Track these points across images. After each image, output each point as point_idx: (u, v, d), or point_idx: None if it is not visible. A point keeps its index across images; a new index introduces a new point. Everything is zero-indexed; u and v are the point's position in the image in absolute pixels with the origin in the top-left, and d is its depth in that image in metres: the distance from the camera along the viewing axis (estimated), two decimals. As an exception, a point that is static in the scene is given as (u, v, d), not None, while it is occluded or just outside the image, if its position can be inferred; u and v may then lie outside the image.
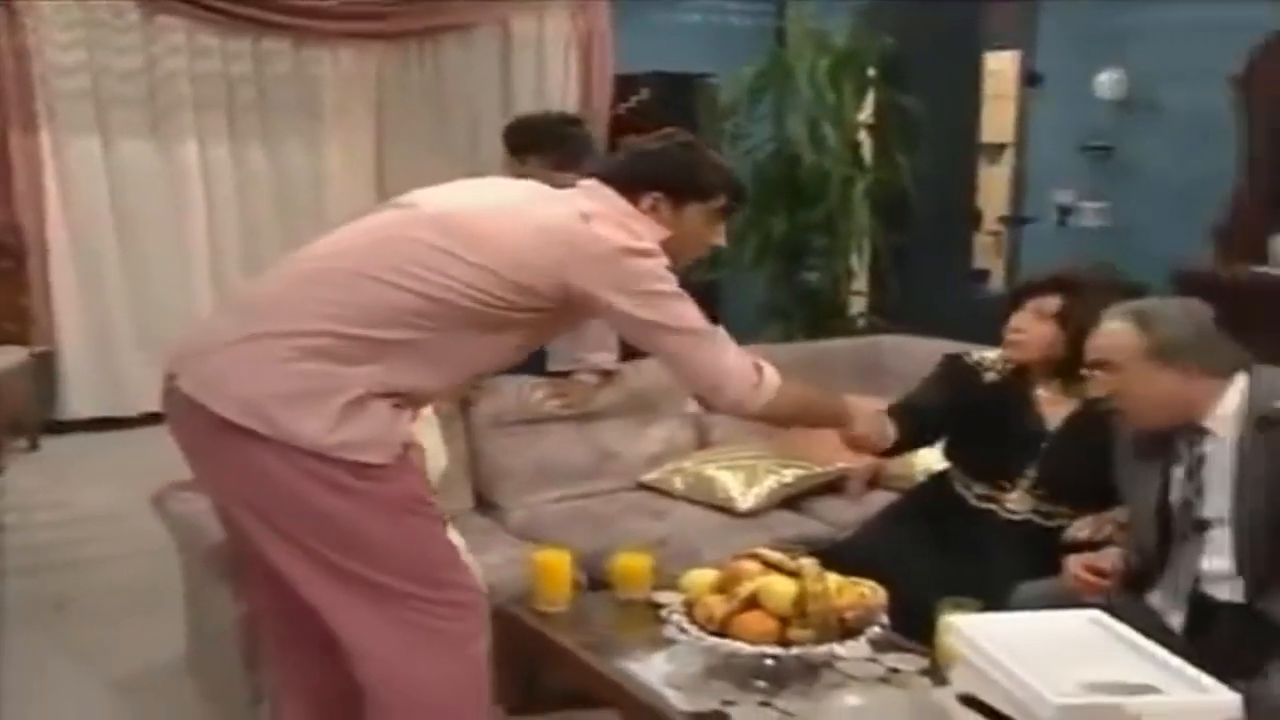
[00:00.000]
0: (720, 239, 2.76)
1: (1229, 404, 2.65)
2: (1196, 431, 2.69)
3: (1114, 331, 2.70)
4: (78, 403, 6.15)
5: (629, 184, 2.58)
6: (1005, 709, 2.09)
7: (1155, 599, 2.76)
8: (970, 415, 3.28)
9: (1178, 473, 2.74)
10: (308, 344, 2.33)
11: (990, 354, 3.37)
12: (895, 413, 3.24)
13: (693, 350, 2.53)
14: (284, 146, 6.70)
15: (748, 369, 2.57)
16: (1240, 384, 2.65)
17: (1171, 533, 2.75)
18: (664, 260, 2.51)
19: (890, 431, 3.05)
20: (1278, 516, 2.58)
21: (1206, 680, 2.04)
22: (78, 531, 4.58)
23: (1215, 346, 2.67)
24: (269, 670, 2.81)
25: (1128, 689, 2.01)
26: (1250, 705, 2.06)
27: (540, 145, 4.02)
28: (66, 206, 6.09)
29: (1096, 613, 2.31)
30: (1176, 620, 2.70)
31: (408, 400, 2.43)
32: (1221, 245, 6.07)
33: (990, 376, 3.33)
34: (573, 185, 3.76)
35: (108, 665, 3.64)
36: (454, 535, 3.11)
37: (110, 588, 4.23)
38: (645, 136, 2.75)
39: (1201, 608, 2.66)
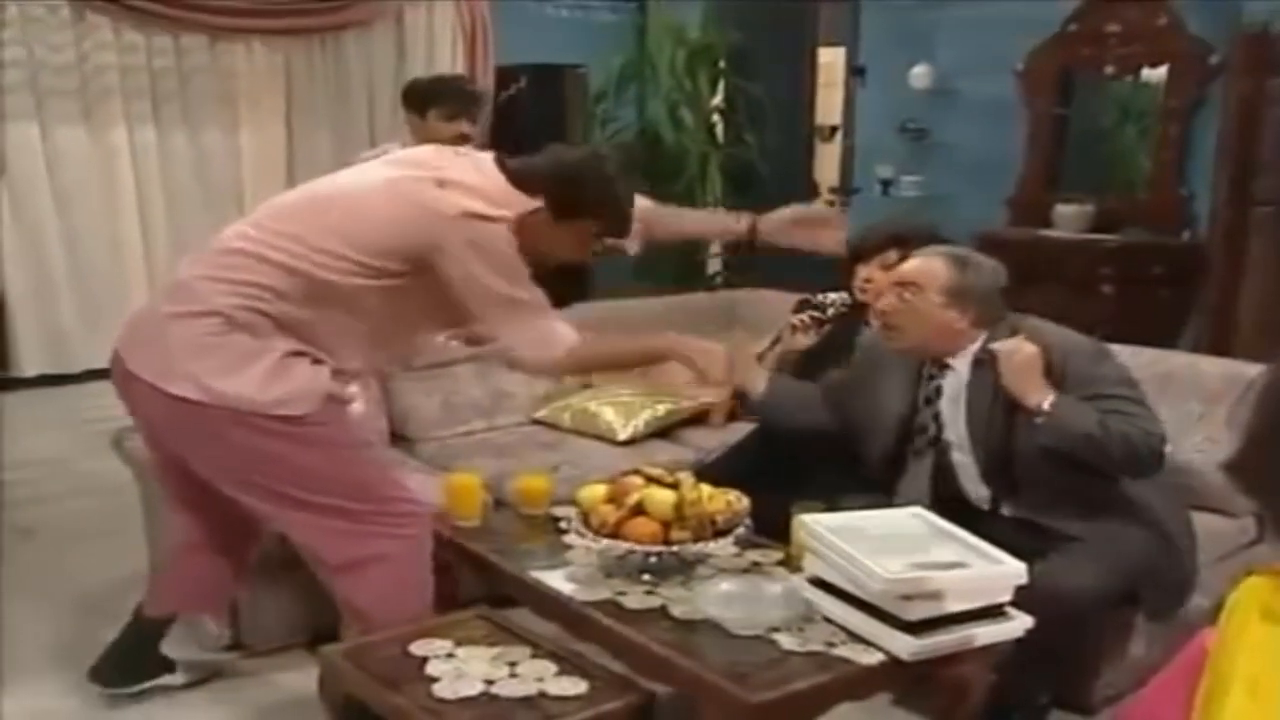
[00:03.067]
0: (585, 257, 2.73)
1: (972, 348, 2.80)
2: (940, 365, 2.83)
3: (930, 263, 2.81)
4: (25, 362, 6.03)
5: (526, 182, 2.56)
6: (846, 586, 2.26)
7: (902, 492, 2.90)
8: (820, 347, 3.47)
9: (921, 397, 2.89)
10: (229, 320, 2.43)
11: (832, 295, 3.60)
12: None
13: (514, 320, 2.55)
14: (203, 131, 6.57)
15: (549, 335, 2.58)
16: (981, 340, 2.79)
17: (907, 448, 2.91)
18: (507, 230, 2.49)
19: (752, 374, 3.05)
20: (996, 440, 2.74)
21: (1001, 555, 2.23)
22: (34, 473, 4.53)
23: (995, 304, 2.81)
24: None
25: (942, 566, 2.19)
26: (1032, 586, 2.23)
27: (436, 100, 4.05)
28: (11, 188, 5.93)
29: (918, 508, 2.48)
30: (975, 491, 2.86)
31: (323, 361, 2.51)
32: (1013, 212, 6.32)
33: (831, 313, 3.59)
34: (468, 131, 3.90)
35: (73, 585, 3.63)
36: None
37: (70, 518, 4.20)
38: (565, 146, 2.74)
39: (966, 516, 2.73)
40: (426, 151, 2.69)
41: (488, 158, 2.64)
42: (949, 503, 2.74)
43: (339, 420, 2.58)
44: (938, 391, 2.85)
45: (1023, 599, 2.25)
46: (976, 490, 2.84)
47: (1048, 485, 2.73)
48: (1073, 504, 2.72)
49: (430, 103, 4.03)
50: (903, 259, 3.24)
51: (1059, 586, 2.48)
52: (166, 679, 2.96)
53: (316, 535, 2.57)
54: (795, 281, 4.88)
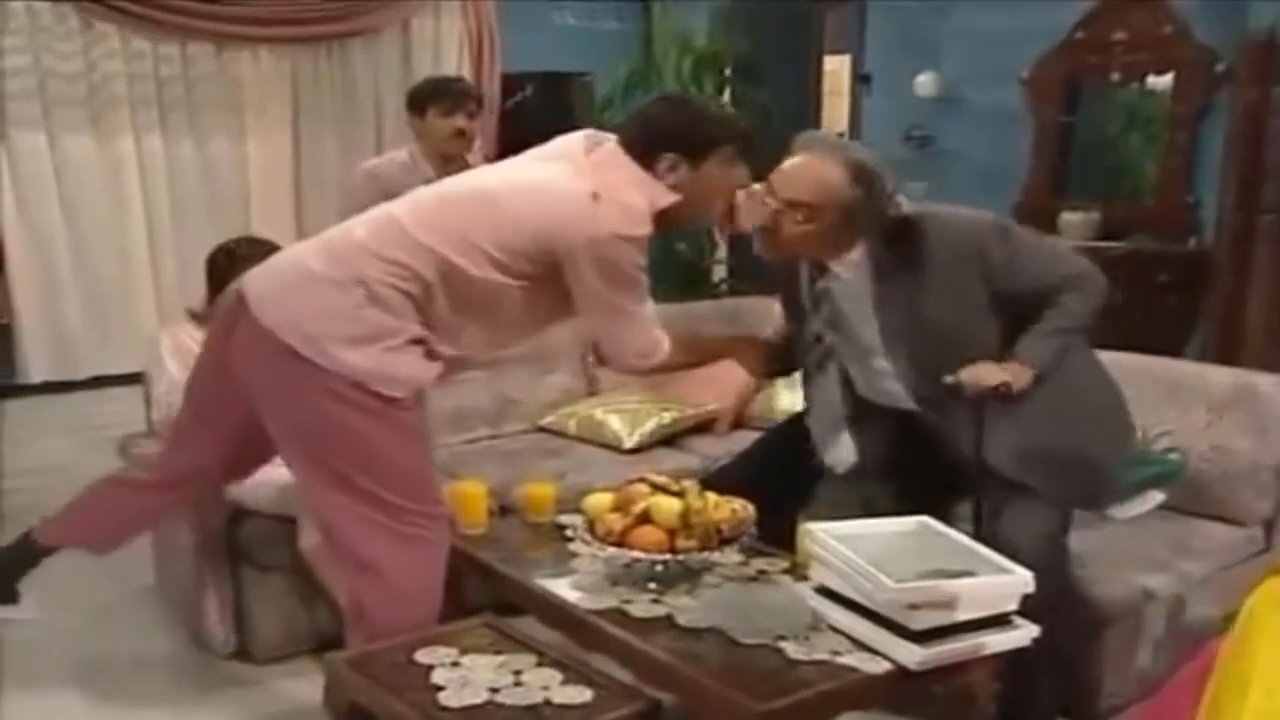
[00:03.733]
0: (743, 180, 2.65)
1: (856, 252, 2.70)
2: (820, 269, 2.74)
3: (827, 179, 2.63)
4: (33, 369, 6.05)
5: (645, 151, 2.55)
6: (853, 595, 2.25)
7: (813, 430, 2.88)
8: None
9: (809, 305, 2.82)
10: (371, 293, 2.47)
11: None
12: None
13: (619, 327, 2.62)
14: (210, 139, 6.60)
15: (648, 344, 2.66)
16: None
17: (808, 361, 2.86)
18: (643, 247, 2.52)
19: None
20: (916, 344, 2.68)
21: (1008, 564, 2.22)
22: (39, 480, 4.54)
23: (887, 211, 2.68)
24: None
25: (948, 574, 2.19)
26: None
27: (432, 97, 4.11)
28: (18, 195, 5.97)
29: (925, 517, 2.48)
30: (838, 452, 2.83)
31: (436, 353, 2.56)
32: (1019, 219, 6.31)
33: None
34: (465, 126, 3.94)
35: (81, 594, 3.63)
36: None
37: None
38: (648, 102, 2.74)
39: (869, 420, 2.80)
40: (576, 149, 2.63)
41: (615, 148, 2.60)
42: (874, 410, 2.77)
43: (421, 412, 2.62)
44: (826, 294, 2.75)
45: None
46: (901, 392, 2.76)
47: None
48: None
49: (428, 101, 4.11)
50: None
51: (1018, 546, 2.42)
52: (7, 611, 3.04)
53: (352, 522, 2.57)
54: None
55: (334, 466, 2.53)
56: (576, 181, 2.53)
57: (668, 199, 2.55)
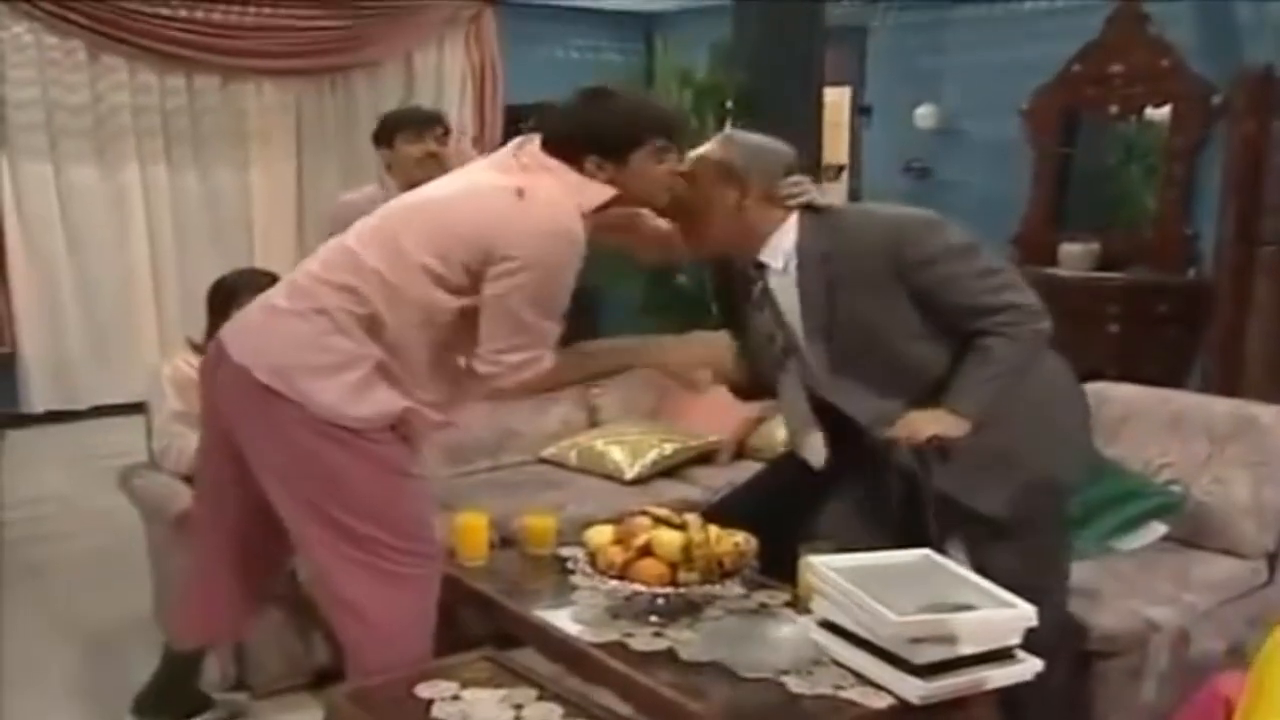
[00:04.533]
0: (680, 166, 2.55)
1: (785, 240, 2.60)
2: (756, 266, 2.65)
3: (697, 151, 2.61)
4: (35, 398, 6.05)
5: (570, 153, 2.46)
6: (855, 629, 2.24)
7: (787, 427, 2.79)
8: None
9: (754, 307, 2.72)
10: (333, 320, 2.43)
11: None
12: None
13: (511, 333, 2.44)
14: (214, 169, 6.63)
15: (529, 355, 2.46)
16: (793, 222, 2.59)
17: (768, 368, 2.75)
18: (577, 252, 2.41)
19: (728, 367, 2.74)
20: (834, 341, 2.58)
21: (1010, 598, 2.21)
22: (42, 510, 4.54)
23: (778, 177, 2.58)
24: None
25: (951, 608, 2.17)
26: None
27: (397, 127, 4.08)
28: (23, 225, 5.99)
29: (927, 550, 2.46)
30: (813, 448, 2.74)
31: (402, 384, 2.49)
32: (1019, 251, 6.33)
33: None
34: (436, 150, 3.86)
35: (81, 623, 3.63)
36: None
37: (77, 556, 4.20)
38: (569, 99, 2.57)
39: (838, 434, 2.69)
40: (504, 154, 2.58)
41: (538, 150, 2.52)
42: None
43: (395, 442, 2.55)
44: (764, 293, 2.67)
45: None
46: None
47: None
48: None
49: (395, 130, 4.07)
50: None
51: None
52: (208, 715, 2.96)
53: (335, 561, 2.52)
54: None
55: (313, 502, 2.48)
56: (502, 181, 2.47)
57: (601, 194, 2.46)
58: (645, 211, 2.67)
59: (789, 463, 3.54)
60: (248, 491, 2.58)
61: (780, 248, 2.61)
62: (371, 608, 2.51)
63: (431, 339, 2.50)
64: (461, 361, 2.56)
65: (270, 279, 3.17)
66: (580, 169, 2.46)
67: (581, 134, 2.47)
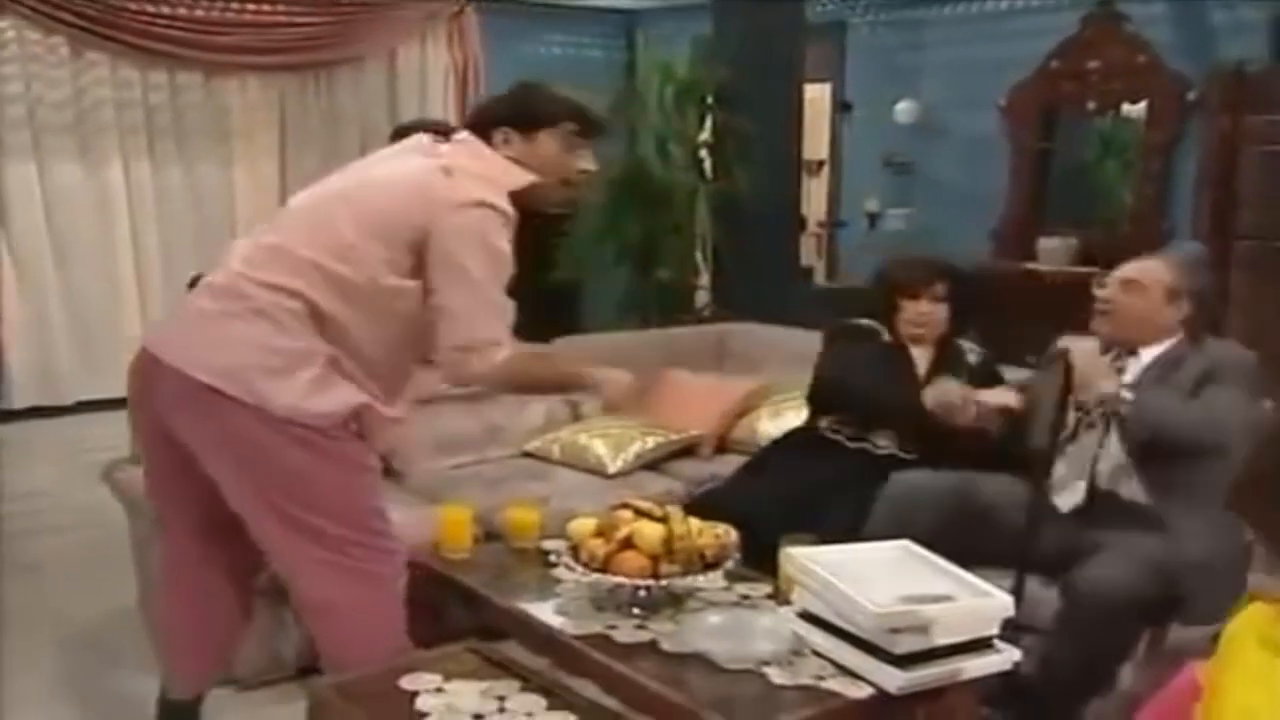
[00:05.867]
0: (587, 164, 2.61)
1: (1163, 344, 2.91)
2: (1131, 352, 2.92)
3: (1154, 264, 2.98)
4: (20, 394, 6.01)
5: (483, 127, 2.53)
6: (834, 620, 2.24)
7: (1057, 472, 2.93)
8: (864, 368, 3.38)
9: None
10: (274, 320, 2.38)
11: (868, 322, 3.50)
12: (823, 392, 3.43)
13: (470, 305, 2.41)
14: (198, 166, 6.59)
15: (492, 334, 2.43)
16: (1175, 339, 2.92)
17: (1079, 422, 2.94)
18: (508, 225, 2.42)
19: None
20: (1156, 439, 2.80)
21: (988, 588, 2.22)
22: (31, 505, 4.53)
23: (1207, 310, 2.98)
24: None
25: (929, 599, 2.17)
26: (1067, 589, 2.25)
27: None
28: (6, 222, 5.96)
29: (906, 541, 2.46)
30: (1070, 494, 2.89)
31: (355, 378, 2.46)
32: (998, 245, 6.35)
33: (884, 337, 3.45)
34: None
35: (67, 617, 3.62)
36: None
37: (70, 549, 4.20)
38: None
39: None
40: (424, 141, 2.61)
41: (465, 135, 2.59)
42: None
43: (352, 439, 2.51)
44: (1120, 373, 2.92)
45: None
46: (1104, 463, 2.91)
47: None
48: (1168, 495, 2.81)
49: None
50: (953, 290, 3.32)
51: (1095, 588, 2.53)
52: None
53: (302, 562, 2.50)
54: (783, 312, 4.89)
55: (274, 502, 2.44)
56: (428, 162, 2.50)
57: (521, 177, 2.49)
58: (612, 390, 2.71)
59: (771, 456, 3.57)
60: (206, 500, 2.52)
61: (1158, 348, 2.94)
62: (342, 606, 2.51)
63: (385, 329, 2.46)
64: (412, 354, 2.54)
65: None
66: (490, 142, 2.51)
67: (497, 107, 2.57)
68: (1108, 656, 2.64)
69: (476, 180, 2.44)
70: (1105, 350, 2.98)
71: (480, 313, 2.43)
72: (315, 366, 2.40)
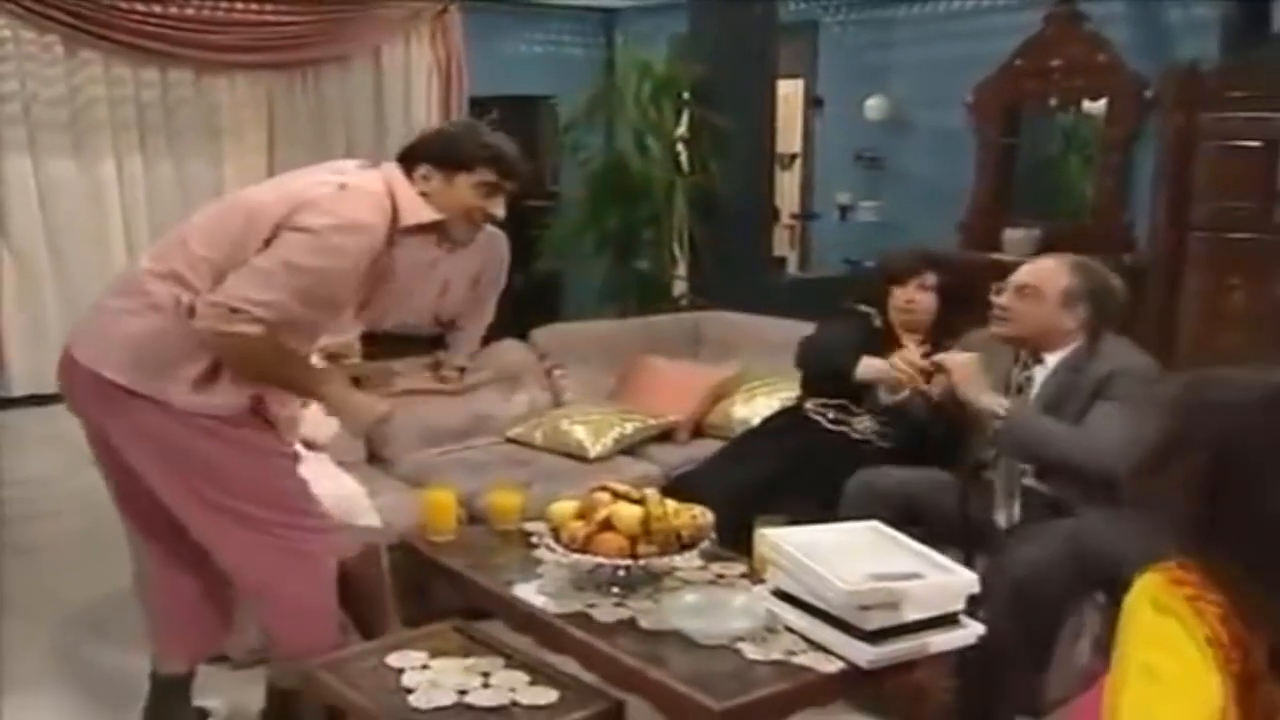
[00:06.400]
0: (496, 210, 2.56)
1: (1068, 348, 2.82)
2: (1036, 358, 2.84)
3: (1051, 269, 2.85)
4: (17, 383, 5.99)
5: (407, 160, 2.51)
6: (807, 597, 2.25)
7: (995, 489, 2.89)
8: (839, 336, 3.42)
9: (1013, 386, 2.90)
10: (163, 312, 2.37)
11: (865, 307, 3.52)
12: (808, 354, 3.44)
13: (269, 276, 2.32)
14: (188, 161, 6.55)
15: (252, 323, 2.30)
16: (1078, 342, 2.83)
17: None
18: (360, 250, 2.37)
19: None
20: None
21: (954, 565, 2.23)
22: (30, 491, 4.51)
23: (1107, 312, 2.85)
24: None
25: (899, 576, 2.19)
26: (994, 572, 2.26)
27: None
28: (4, 216, 5.91)
29: (875, 522, 2.48)
30: (1008, 514, 2.85)
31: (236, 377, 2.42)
32: (965, 236, 6.36)
33: (876, 323, 3.47)
34: None
35: (62, 597, 3.62)
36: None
37: (65, 533, 4.16)
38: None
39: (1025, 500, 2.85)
40: (348, 165, 2.59)
41: (389, 164, 2.55)
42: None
43: (259, 428, 2.50)
44: (1028, 380, 2.87)
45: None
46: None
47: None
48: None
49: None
50: (943, 280, 3.33)
51: (1015, 566, 2.53)
52: None
53: (229, 545, 2.51)
54: (758, 301, 4.89)
55: (195, 489, 2.44)
56: (332, 178, 2.46)
57: (426, 214, 2.47)
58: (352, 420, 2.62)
59: (746, 441, 3.59)
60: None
61: (1062, 352, 2.85)
62: (274, 586, 2.53)
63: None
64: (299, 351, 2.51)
65: None
66: (411, 175, 2.48)
67: (425, 144, 2.53)
68: (1039, 633, 2.64)
69: (361, 200, 2.40)
70: (1015, 357, 2.94)
71: (273, 287, 2.32)
72: (201, 363, 2.39)
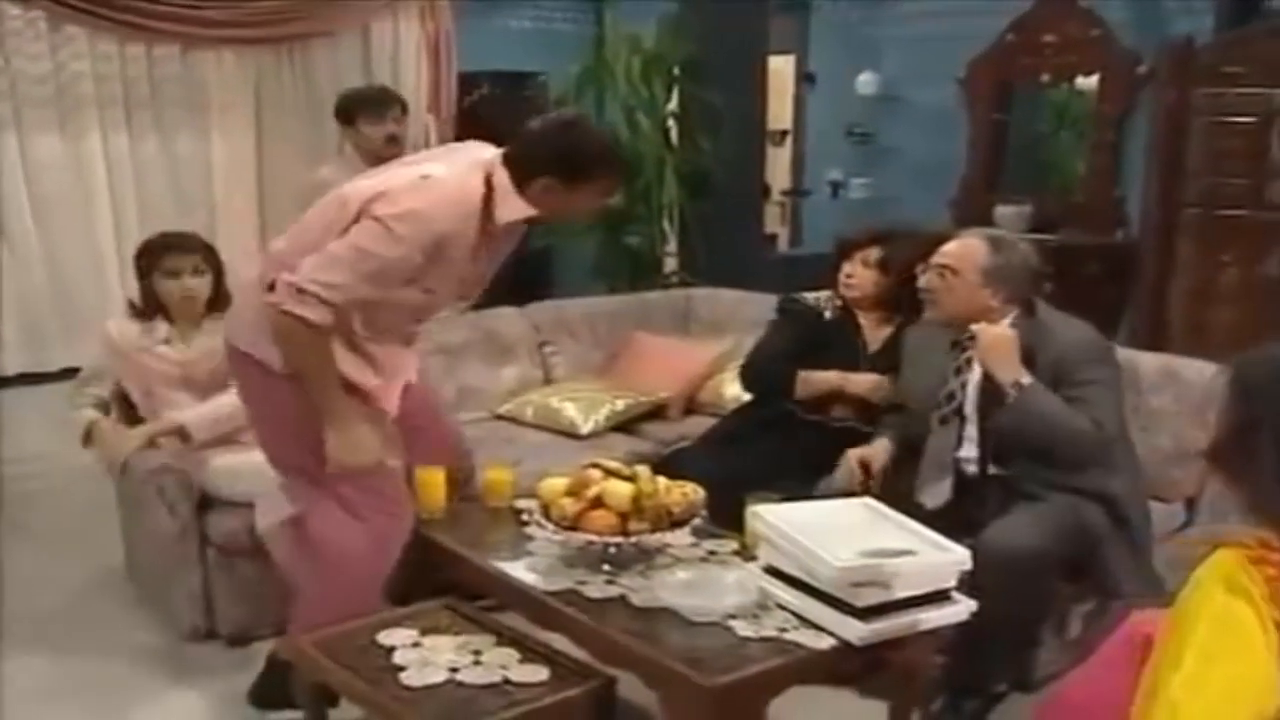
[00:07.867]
0: (609, 199, 2.75)
1: (1004, 323, 2.79)
2: (972, 337, 2.81)
3: (968, 246, 2.82)
4: (8, 361, 5.95)
5: (526, 171, 2.50)
6: (798, 574, 2.25)
7: (921, 471, 2.89)
8: (811, 345, 3.38)
9: (952, 367, 2.88)
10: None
11: (817, 295, 3.49)
12: (753, 367, 3.44)
13: (329, 260, 2.42)
14: (175, 138, 6.46)
15: (309, 307, 2.40)
16: (1010, 316, 2.80)
17: (934, 415, 2.90)
18: (421, 241, 2.43)
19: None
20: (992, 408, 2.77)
21: (946, 543, 2.23)
22: (27, 468, 4.51)
23: (1026, 283, 2.82)
24: None
25: (891, 553, 2.19)
26: (975, 555, 2.26)
27: (358, 108, 4.12)
28: (-10, 193, 5.87)
29: (868, 499, 2.48)
30: (935, 492, 2.84)
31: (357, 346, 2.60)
32: (956, 213, 6.35)
33: (827, 314, 3.44)
34: (395, 131, 4.00)
35: (55, 577, 3.62)
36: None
37: (61, 511, 4.18)
38: (543, 119, 2.63)
39: (960, 481, 2.83)
40: (478, 150, 2.65)
41: (496, 160, 2.55)
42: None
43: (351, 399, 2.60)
44: (968, 362, 2.85)
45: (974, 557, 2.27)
46: (968, 452, 2.86)
47: (1028, 456, 2.77)
48: (1045, 473, 2.75)
49: (355, 112, 4.10)
50: (886, 256, 3.28)
51: (1005, 545, 2.50)
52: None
53: (301, 501, 2.69)
54: (749, 278, 4.88)
55: (290, 447, 2.64)
56: (422, 170, 2.53)
57: (520, 212, 2.52)
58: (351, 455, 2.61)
59: (737, 418, 3.58)
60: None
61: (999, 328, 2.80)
62: (328, 536, 2.60)
63: (366, 311, 2.56)
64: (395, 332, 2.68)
65: (195, 240, 3.32)
66: (528, 183, 2.49)
67: (541, 159, 2.50)
68: (1026, 612, 2.64)
69: (442, 193, 2.45)
70: (954, 343, 2.92)
71: (339, 270, 2.41)
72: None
